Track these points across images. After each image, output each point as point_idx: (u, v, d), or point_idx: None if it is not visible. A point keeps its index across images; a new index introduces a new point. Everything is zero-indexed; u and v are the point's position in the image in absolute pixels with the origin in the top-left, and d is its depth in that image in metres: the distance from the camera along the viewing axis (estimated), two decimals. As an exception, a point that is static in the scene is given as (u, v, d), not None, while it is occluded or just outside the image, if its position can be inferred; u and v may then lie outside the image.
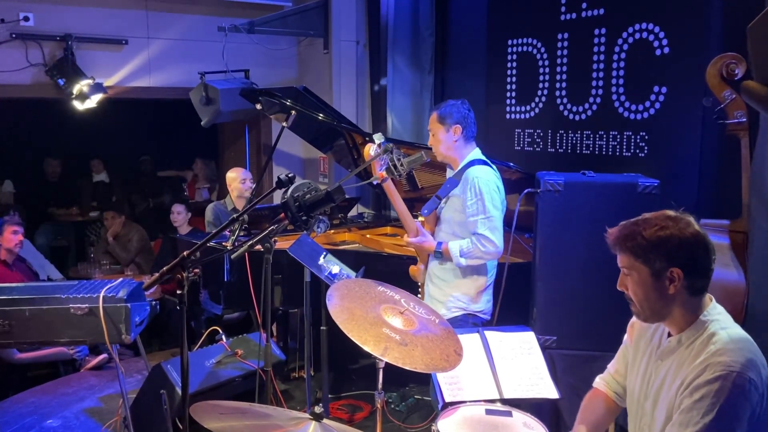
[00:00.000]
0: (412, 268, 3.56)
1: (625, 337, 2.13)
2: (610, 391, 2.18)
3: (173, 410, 3.25)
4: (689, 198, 3.45)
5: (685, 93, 3.52)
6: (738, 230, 2.94)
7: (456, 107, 3.26)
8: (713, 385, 1.68)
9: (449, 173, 3.42)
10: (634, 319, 2.07)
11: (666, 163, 3.61)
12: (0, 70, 5.05)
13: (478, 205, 3.15)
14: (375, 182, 3.10)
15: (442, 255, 3.27)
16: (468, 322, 3.30)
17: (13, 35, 5.09)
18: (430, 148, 3.38)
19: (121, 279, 3.17)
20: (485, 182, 3.16)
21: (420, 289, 3.52)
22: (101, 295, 2.88)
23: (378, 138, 3.02)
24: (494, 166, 3.33)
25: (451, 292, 3.31)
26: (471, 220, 3.17)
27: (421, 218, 3.46)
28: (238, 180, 5.24)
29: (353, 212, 5.68)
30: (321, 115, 4.67)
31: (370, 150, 3.08)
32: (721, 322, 1.80)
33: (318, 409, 1.83)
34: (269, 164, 6.00)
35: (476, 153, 3.32)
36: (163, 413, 3.17)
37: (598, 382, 2.24)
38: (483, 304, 3.34)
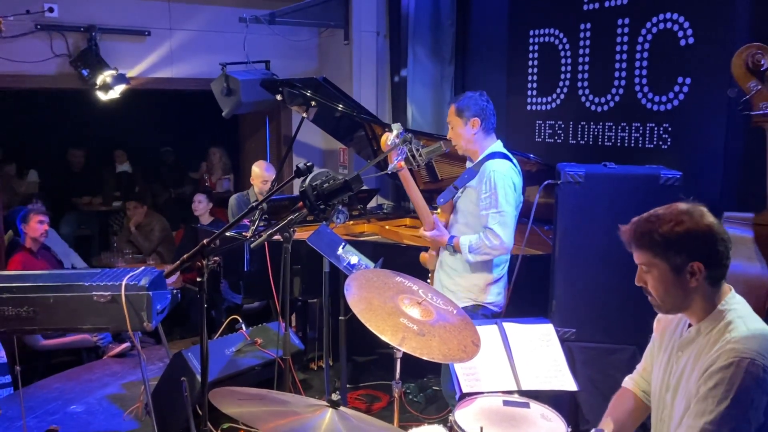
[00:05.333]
0: (423, 255, 3.56)
1: (654, 334, 2.12)
2: (638, 389, 2.16)
3: (193, 397, 3.30)
4: (713, 190, 3.40)
5: (709, 84, 3.47)
6: (762, 223, 2.89)
7: (474, 99, 3.24)
8: (726, 372, 1.67)
9: (468, 164, 3.41)
10: (660, 315, 2.06)
11: (689, 155, 3.56)
12: (25, 61, 5.11)
13: (491, 199, 3.13)
14: (390, 170, 3.09)
15: (453, 249, 3.27)
16: (477, 313, 3.29)
17: (38, 26, 5.15)
18: (450, 139, 3.37)
19: (143, 268, 3.21)
20: (501, 176, 3.14)
21: (429, 276, 3.52)
22: (123, 283, 2.91)
23: (396, 128, 3.01)
24: (515, 159, 3.30)
25: (462, 282, 3.31)
26: (483, 213, 3.16)
27: (438, 210, 3.45)
28: (260, 179, 5.25)
29: (372, 203, 5.68)
30: (341, 105, 4.68)
31: (387, 140, 3.07)
32: (738, 311, 1.79)
33: (335, 397, 1.84)
34: (289, 155, 6.02)
35: (497, 145, 3.29)
36: (184, 400, 3.21)
37: (627, 381, 2.23)
38: (493, 296, 3.32)
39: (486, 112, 3.24)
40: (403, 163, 2.96)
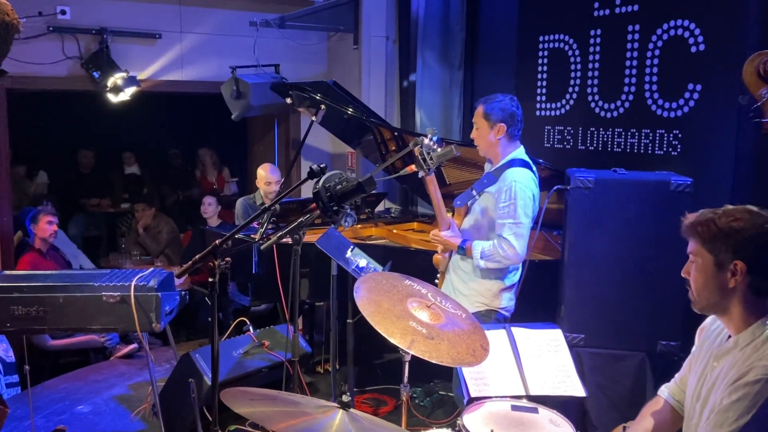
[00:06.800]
0: (436, 257, 3.55)
1: (695, 342, 2.08)
2: (673, 399, 2.13)
3: (201, 399, 3.30)
4: (723, 197, 3.35)
5: (720, 91, 3.46)
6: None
7: (503, 104, 3.20)
8: (752, 387, 1.65)
9: (487, 167, 3.39)
10: (703, 323, 2.04)
11: (700, 162, 3.55)
12: (37, 63, 5.15)
13: (509, 209, 3.11)
14: (420, 175, 3.06)
15: (464, 252, 3.26)
16: (489, 317, 3.28)
17: (50, 28, 5.19)
18: (461, 143, 3.36)
19: (152, 269, 3.22)
20: (522, 188, 3.11)
21: (438, 277, 3.52)
22: (133, 283, 2.92)
23: (431, 132, 2.95)
24: (534, 167, 3.28)
25: (475, 287, 3.29)
26: (499, 222, 3.14)
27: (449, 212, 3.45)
28: (263, 181, 5.26)
29: (380, 207, 5.69)
30: (350, 109, 4.69)
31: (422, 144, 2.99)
32: None
33: (346, 398, 1.84)
34: (298, 159, 6.03)
35: (519, 152, 3.26)
36: (191, 401, 3.22)
37: (662, 390, 2.20)
38: (505, 302, 3.31)
39: (514, 118, 3.20)
40: (413, 167, 2.96)
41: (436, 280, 3.51)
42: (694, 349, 2.07)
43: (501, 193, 3.14)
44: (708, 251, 1.78)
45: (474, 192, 3.31)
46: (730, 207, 1.81)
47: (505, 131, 3.19)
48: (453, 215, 3.43)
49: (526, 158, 3.27)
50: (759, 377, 1.65)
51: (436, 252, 3.57)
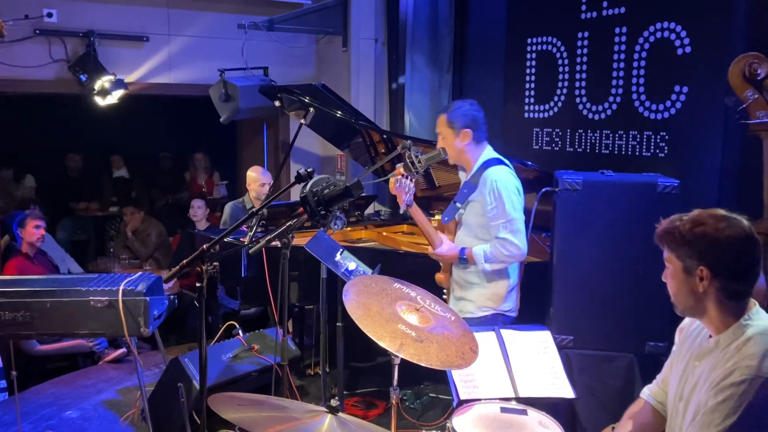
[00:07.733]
0: (438, 275, 3.49)
1: (675, 342, 2.10)
2: (655, 401, 2.14)
3: (190, 403, 3.29)
4: (710, 199, 3.42)
5: (706, 92, 3.49)
6: (759, 232, 2.89)
7: (464, 110, 3.20)
8: (737, 388, 1.66)
9: (462, 176, 3.39)
10: (682, 324, 2.06)
11: (686, 164, 3.57)
12: (23, 66, 5.12)
13: (498, 210, 3.10)
14: (401, 211, 3.09)
15: (467, 261, 3.22)
16: (498, 321, 3.25)
17: (37, 31, 5.16)
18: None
19: (140, 273, 3.20)
20: (504, 185, 3.11)
21: (445, 294, 3.47)
22: (121, 288, 2.91)
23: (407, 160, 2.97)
24: (509, 163, 3.29)
25: (483, 291, 3.26)
26: (493, 224, 3.14)
27: (436, 219, 3.43)
28: (258, 182, 5.25)
29: (370, 210, 5.68)
30: (339, 112, 4.69)
31: (396, 183, 3.03)
32: (760, 327, 1.76)
33: (334, 403, 1.84)
34: (287, 162, 6.02)
35: (488, 152, 3.26)
36: (180, 406, 3.20)
37: (644, 392, 2.20)
38: (511, 303, 3.30)
39: (477, 121, 3.20)
40: (402, 169, 2.97)
41: (444, 296, 3.47)
42: (674, 348, 2.09)
43: (485, 196, 3.14)
44: (676, 258, 1.81)
45: (458, 204, 3.29)
46: (697, 212, 1.82)
47: (471, 136, 3.19)
48: (444, 232, 3.41)
49: (497, 155, 3.27)
50: (744, 377, 1.67)
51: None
